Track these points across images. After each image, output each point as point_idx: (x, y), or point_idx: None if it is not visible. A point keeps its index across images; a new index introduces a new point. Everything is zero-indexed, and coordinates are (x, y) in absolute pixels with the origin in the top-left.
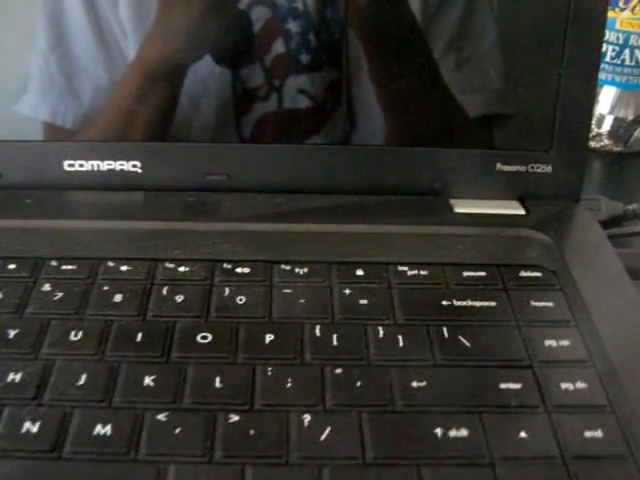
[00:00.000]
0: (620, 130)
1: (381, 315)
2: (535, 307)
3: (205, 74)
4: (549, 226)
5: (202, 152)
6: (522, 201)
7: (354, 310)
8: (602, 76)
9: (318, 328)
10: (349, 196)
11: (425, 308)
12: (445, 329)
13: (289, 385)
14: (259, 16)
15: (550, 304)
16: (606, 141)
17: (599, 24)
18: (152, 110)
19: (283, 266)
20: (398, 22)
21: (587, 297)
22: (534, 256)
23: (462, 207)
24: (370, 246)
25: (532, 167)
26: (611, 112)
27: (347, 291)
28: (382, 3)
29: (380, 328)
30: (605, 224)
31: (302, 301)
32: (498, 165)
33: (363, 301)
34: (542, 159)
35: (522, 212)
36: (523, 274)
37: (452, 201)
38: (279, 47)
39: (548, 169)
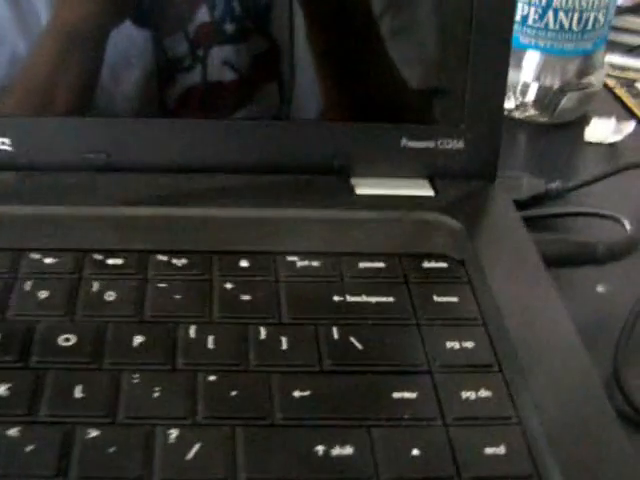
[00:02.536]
0: (546, 99)
1: (265, 313)
2: (438, 303)
3: (126, 44)
4: (459, 209)
5: (78, 128)
6: (431, 181)
7: (235, 308)
8: (525, 40)
9: (193, 329)
10: (238, 176)
11: (314, 305)
12: (335, 329)
13: (157, 395)
14: None
15: (455, 299)
16: (531, 111)
17: None
18: (68, 81)
19: (160, 257)
20: None
21: (497, 291)
22: (440, 244)
23: (364, 188)
24: (257, 233)
25: (441, 143)
26: (536, 80)
27: (228, 285)
28: None
29: (262, 328)
30: (526, 204)
31: (178, 297)
32: (403, 141)
33: (246, 297)
34: (452, 134)
35: (430, 193)
36: (427, 265)
37: (353, 181)
38: (203, 15)
39: (459, 145)
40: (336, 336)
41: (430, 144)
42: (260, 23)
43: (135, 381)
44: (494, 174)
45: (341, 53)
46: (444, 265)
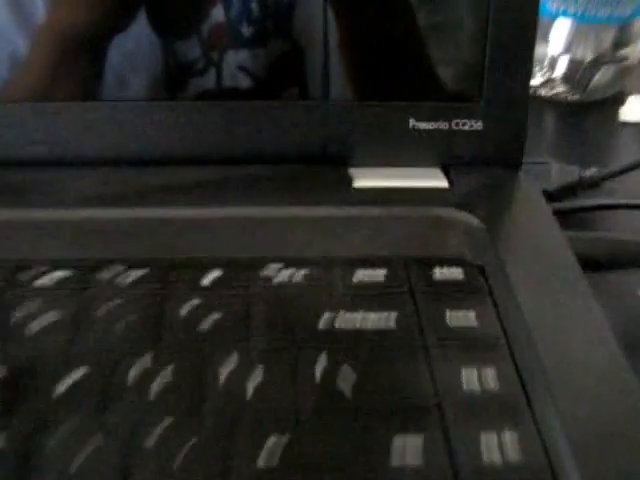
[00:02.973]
0: (577, 74)
1: (232, 341)
2: (451, 320)
3: (131, 45)
4: (478, 203)
5: (21, 114)
6: (445, 170)
7: (196, 334)
8: (553, 7)
9: (139, 365)
10: (211, 168)
11: (297, 327)
12: (322, 359)
13: (79, 460)
14: None
15: (472, 316)
16: (560, 88)
17: None
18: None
19: (110, 268)
20: None
21: (524, 304)
22: (455, 246)
23: (364, 179)
24: (231, 236)
25: (457, 124)
26: (566, 52)
27: (190, 304)
28: None
29: (228, 361)
30: (556, 195)
31: (126, 321)
32: (412, 121)
33: (210, 319)
34: (469, 113)
35: (444, 184)
36: (438, 272)
37: (352, 171)
38: (218, 14)
39: (478, 126)
40: (321, 368)
41: (443, 125)
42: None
43: (53, 441)
44: (519, 160)
45: (344, 22)
46: (460, 273)
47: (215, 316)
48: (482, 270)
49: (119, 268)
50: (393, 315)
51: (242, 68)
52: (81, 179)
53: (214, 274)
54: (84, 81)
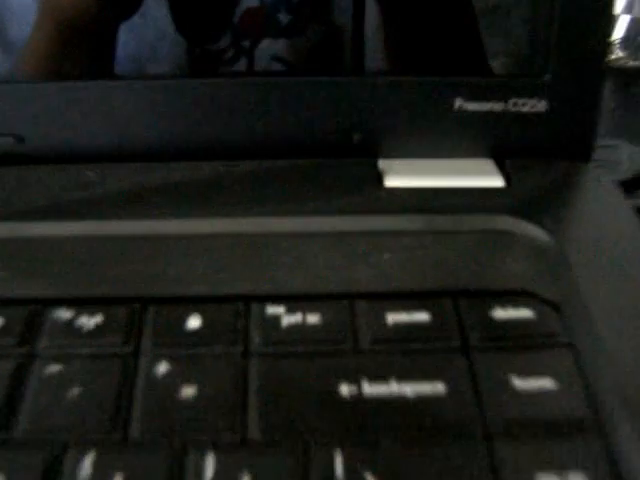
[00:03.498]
0: (638, 37)
1: (217, 425)
2: (519, 391)
3: (153, 32)
4: (545, 209)
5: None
6: (500, 164)
7: (167, 414)
8: None
9: (89, 460)
10: (205, 164)
11: (306, 404)
12: (340, 458)
13: None
14: None
15: (548, 383)
16: (619, 53)
17: None
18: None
19: (61, 312)
20: None
21: (619, 360)
22: (518, 272)
23: (397, 176)
24: (220, 262)
25: (515, 104)
26: (625, 12)
27: (162, 368)
28: None
29: (209, 455)
30: (629, 185)
31: (75, 392)
32: (458, 101)
33: (188, 390)
34: (531, 90)
35: (499, 183)
36: (498, 315)
37: (382, 165)
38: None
39: (541, 106)
40: (342, 467)
41: (498, 106)
42: None
43: None
44: (590, 150)
45: None
46: (527, 314)
47: (197, 390)
48: (557, 308)
49: (70, 313)
50: (439, 385)
51: (276, 56)
52: (44, 179)
53: (196, 323)
54: (94, 64)
